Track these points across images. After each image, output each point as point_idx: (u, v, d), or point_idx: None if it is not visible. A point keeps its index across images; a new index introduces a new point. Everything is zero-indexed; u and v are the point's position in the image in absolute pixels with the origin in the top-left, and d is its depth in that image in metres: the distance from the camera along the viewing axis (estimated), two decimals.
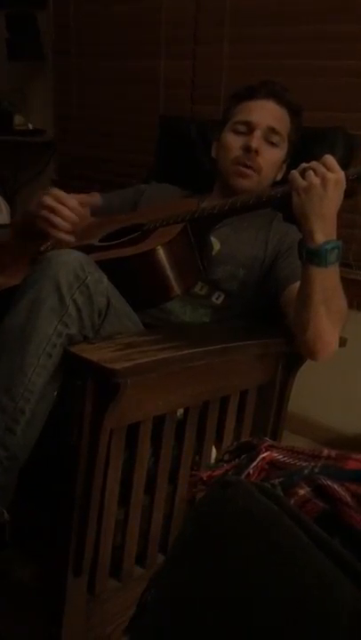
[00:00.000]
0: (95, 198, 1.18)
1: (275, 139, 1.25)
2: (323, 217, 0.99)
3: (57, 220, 1.11)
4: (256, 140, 1.23)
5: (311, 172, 0.98)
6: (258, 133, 1.24)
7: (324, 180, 0.97)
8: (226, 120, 1.31)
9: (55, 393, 0.94)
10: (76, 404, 0.92)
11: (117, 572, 1.05)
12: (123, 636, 1.06)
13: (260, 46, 1.85)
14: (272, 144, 1.25)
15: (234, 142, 1.26)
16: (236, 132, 1.27)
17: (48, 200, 1.12)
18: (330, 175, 0.97)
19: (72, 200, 1.13)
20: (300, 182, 0.99)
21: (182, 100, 2.07)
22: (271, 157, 1.25)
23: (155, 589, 0.54)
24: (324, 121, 1.48)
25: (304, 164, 1.01)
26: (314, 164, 0.99)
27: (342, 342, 1.13)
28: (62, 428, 0.95)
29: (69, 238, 1.12)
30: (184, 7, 2.01)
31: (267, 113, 1.26)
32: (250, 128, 1.25)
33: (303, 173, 0.99)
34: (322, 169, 0.98)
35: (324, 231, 0.99)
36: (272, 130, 1.25)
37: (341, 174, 0.98)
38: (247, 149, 1.23)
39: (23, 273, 1.00)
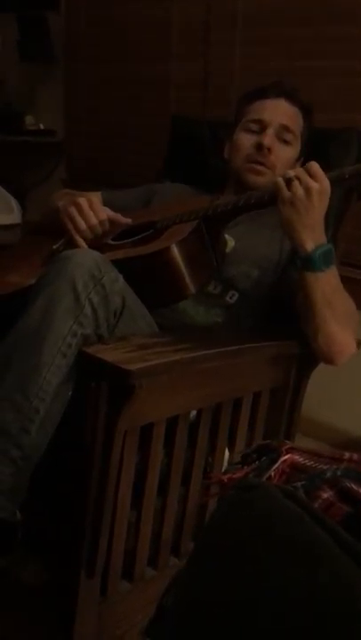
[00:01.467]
0: (126, 220, 1.16)
1: (288, 137, 1.25)
2: (310, 226, 1.01)
3: (82, 224, 1.12)
4: (269, 138, 1.23)
5: (296, 183, 0.99)
6: (270, 131, 1.23)
7: (307, 190, 0.99)
8: (237, 121, 1.31)
9: (69, 393, 0.93)
10: (89, 404, 0.91)
11: (129, 574, 1.04)
12: (136, 638, 1.05)
13: (271, 48, 1.84)
14: (285, 142, 1.25)
15: (246, 141, 1.26)
16: (249, 131, 1.26)
17: (81, 201, 1.12)
18: (313, 184, 0.99)
19: (103, 213, 1.13)
20: (285, 194, 1.00)
21: (194, 102, 2.07)
22: (284, 155, 1.25)
23: (175, 593, 0.54)
24: (338, 121, 1.47)
25: (290, 172, 1.02)
26: (299, 172, 1.00)
27: (358, 344, 1.12)
28: (76, 430, 0.94)
29: (83, 244, 1.12)
30: (195, 9, 2.01)
31: (279, 111, 1.25)
32: (262, 126, 1.25)
33: (288, 184, 1.00)
34: (306, 178, 0.99)
35: (313, 239, 1.01)
36: (285, 128, 1.24)
37: (326, 183, 0.99)
38: (259, 147, 1.23)
39: (37, 272, 0.99)
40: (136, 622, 1.07)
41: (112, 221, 1.14)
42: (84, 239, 1.12)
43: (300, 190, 0.99)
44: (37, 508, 1.00)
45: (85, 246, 1.11)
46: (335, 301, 1.05)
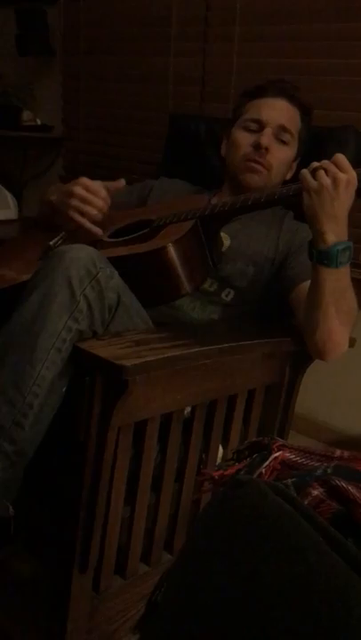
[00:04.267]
0: (119, 183, 1.17)
1: (285, 137, 1.25)
2: (334, 218, 0.98)
3: (89, 208, 1.12)
4: (266, 138, 1.22)
5: (322, 172, 0.97)
6: (268, 131, 1.23)
7: (335, 180, 0.96)
8: (236, 118, 1.31)
9: (64, 389, 0.93)
10: (84, 400, 0.91)
11: (122, 570, 1.05)
12: (128, 634, 1.06)
13: (270, 44, 1.84)
14: (282, 142, 1.25)
15: (244, 140, 1.25)
16: (247, 130, 1.26)
17: (78, 190, 1.12)
18: (341, 175, 0.96)
19: (102, 189, 1.13)
20: (311, 183, 0.98)
21: (192, 98, 2.07)
22: (281, 155, 1.25)
23: (165, 588, 0.54)
24: (336, 119, 1.47)
25: (315, 163, 1.00)
26: (325, 163, 0.98)
27: (351, 343, 1.12)
28: (70, 425, 0.94)
29: (97, 230, 1.12)
30: (194, 4, 2.01)
31: (278, 111, 1.25)
32: (260, 126, 1.24)
33: (314, 173, 0.98)
34: (333, 169, 0.97)
35: (335, 232, 0.99)
36: (283, 128, 1.24)
37: (353, 174, 0.97)
38: (257, 147, 1.23)
39: (33, 268, 0.99)
40: (129, 618, 1.07)
41: (109, 190, 1.15)
42: (96, 222, 1.12)
43: (326, 179, 0.97)
44: (31, 504, 1.00)
45: (100, 231, 1.12)
46: (342, 300, 1.03)
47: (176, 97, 2.12)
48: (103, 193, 1.13)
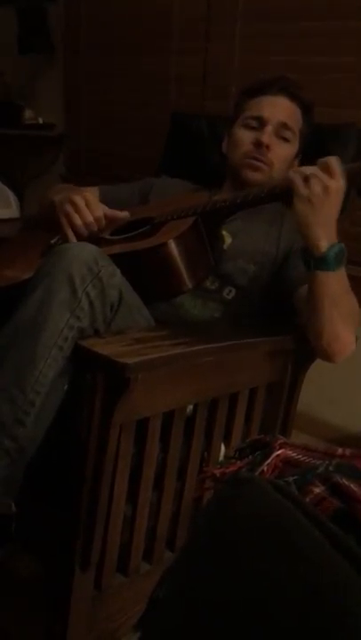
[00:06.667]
0: (123, 215, 1.15)
1: (286, 134, 1.25)
2: (325, 224, 0.99)
3: (77, 221, 1.11)
4: (267, 136, 1.22)
5: (314, 180, 0.97)
6: (269, 128, 1.23)
7: (326, 189, 0.97)
8: (237, 115, 1.30)
9: (65, 387, 0.93)
10: (85, 398, 0.91)
11: (124, 568, 1.05)
12: (129, 632, 1.06)
13: (272, 43, 1.84)
14: (284, 139, 1.25)
15: (245, 137, 1.25)
16: (248, 127, 1.26)
17: (77, 199, 1.12)
18: (332, 183, 0.97)
19: (100, 210, 1.12)
20: (303, 191, 0.98)
21: (193, 97, 2.06)
22: (282, 153, 1.25)
23: (167, 586, 0.54)
24: (337, 117, 1.47)
25: (306, 170, 0.99)
26: (317, 171, 0.98)
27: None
28: (71, 423, 0.94)
29: (74, 241, 1.11)
30: (196, 2, 2.00)
31: (279, 108, 1.25)
32: (261, 123, 1.24)
33: (306, 181, 0.98)
34: (324, 177, 0.97)
35: (327, 237, 1.00)
36: (284, 125, 1.24)
37: (342, 180, 0.97)
38: (258, 144, 1.23)
39: (34, 266, 0.99)
40: (130, 616, 1.07)
41: (109, 218, 1.13)
42: (80, 236, 1.12)
43: (318, 188, 0.97)
44: (33, 502, 1.00)
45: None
46: (342, 301, 1.04)
47: (177, 95, 2.11)
48: (99, 213, 1.12)
